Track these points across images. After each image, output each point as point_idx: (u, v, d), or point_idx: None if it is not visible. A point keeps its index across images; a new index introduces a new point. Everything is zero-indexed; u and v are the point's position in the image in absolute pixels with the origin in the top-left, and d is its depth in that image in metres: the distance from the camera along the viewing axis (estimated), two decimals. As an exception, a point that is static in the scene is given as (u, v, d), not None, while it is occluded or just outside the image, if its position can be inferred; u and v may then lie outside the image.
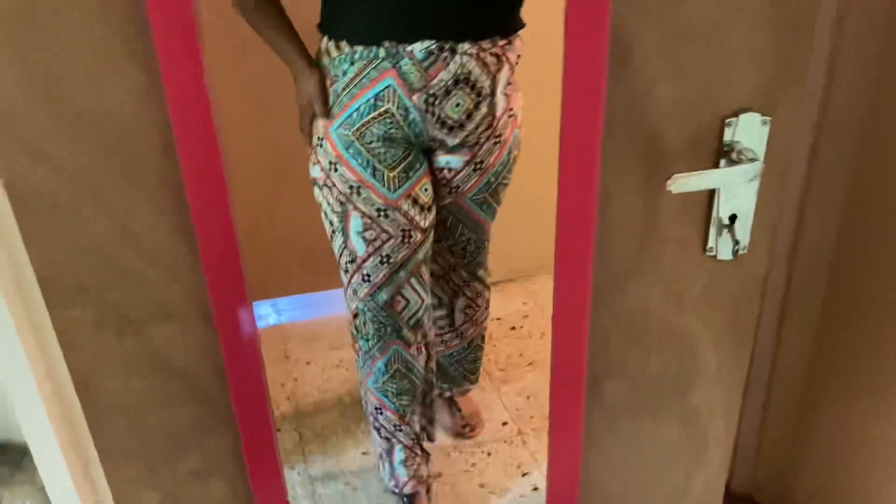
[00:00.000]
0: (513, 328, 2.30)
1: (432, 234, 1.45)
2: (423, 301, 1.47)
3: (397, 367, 1.51)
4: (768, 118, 0.85)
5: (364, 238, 1.37)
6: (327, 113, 1.30)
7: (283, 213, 2.11)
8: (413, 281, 1.44)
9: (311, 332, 2.26)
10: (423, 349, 1.54)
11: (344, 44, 1.26)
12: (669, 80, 0.82)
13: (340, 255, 1.41)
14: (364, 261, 1.39)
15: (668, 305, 0.96)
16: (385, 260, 1.39)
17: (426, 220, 1.40)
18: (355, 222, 1.36)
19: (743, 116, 0.84)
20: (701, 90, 0.83)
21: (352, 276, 1.42)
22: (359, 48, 1.25)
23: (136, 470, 0.98)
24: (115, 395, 0.93)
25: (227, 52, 1.84)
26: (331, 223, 1.40)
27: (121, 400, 0.94)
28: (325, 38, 1.30)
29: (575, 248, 0.89)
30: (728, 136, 0.85)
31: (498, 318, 2.32)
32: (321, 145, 1.34)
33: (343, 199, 1.35)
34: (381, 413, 1.58)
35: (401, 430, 1.59)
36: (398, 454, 1.62)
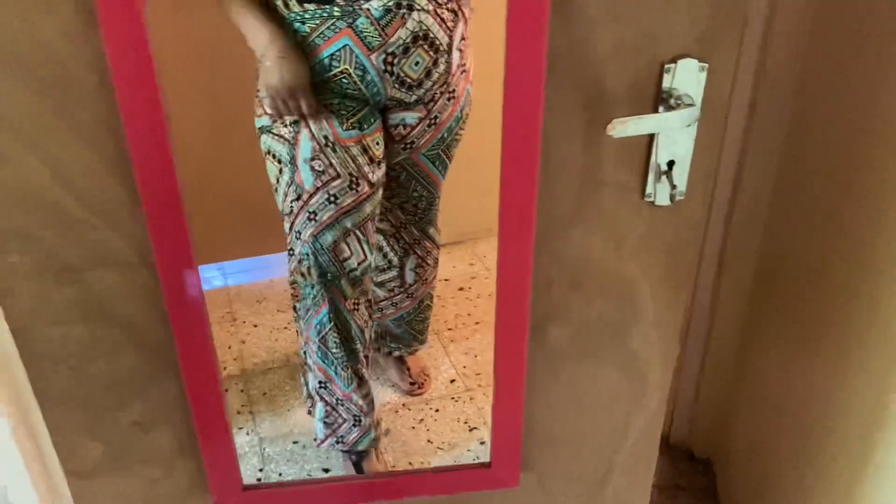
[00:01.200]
0: (461, 289, 2.32)
1: (381, 191, 1.45)
2: (366, 258, 1.48)
3: (335, 321, 1.52)
4: (705, 65, 0.87)
5: (312, 168, 1.34)
6: (316, 108, 1.27)
7: (227, 173, 2.08)
8: (359, 233, 1.44)
9: (257, 295, 2.25)
10: (360, 310, 1.54)
11: (293, 2, 1.23)
12: (610, 24, 0.84)
13: (286, 195, 1.39)
14: (311, 195, 1.36)
15: (608, 251, 0.98)
16: (332, 199, 1.37)
17: (374, 174, 1.40)
18: (304, 147, 1.32)
19: (681, 62, 0.86)
20: (640, 35, 0.85)
21: (297, 216, 1.39)
22: (310, 7, 1.22)
23: (77, 419, 0.97)
24: (54, 344, 0.92)
25: (170, 1, 1.79)
26: (279, 161, 1.35)
27: (61, 348, 0.92)
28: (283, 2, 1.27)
29: (518, 194, 0.90)
30: (666, 82, 0.87)
31: (446, 280, 2.33)
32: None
33: (293, 129, 1.31)
34: (314, 371, 1.59)
35: (326, 388, 1.60)
36: (319, 411, 1.64)
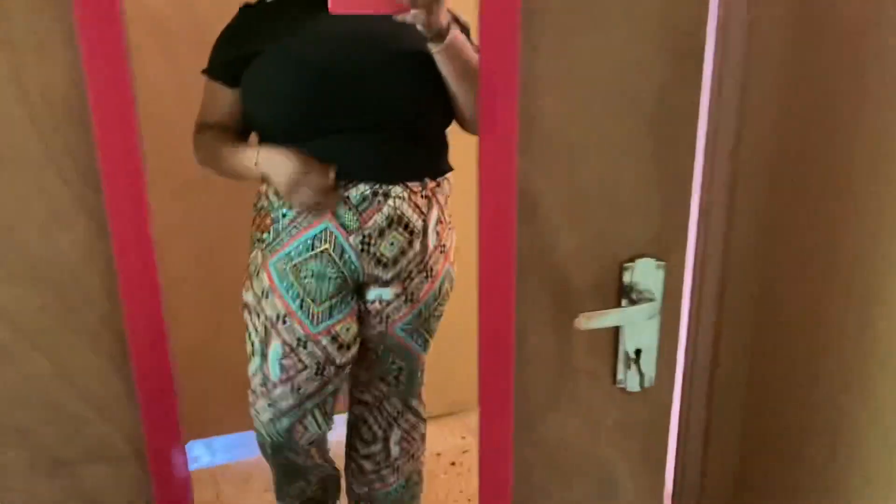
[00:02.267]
0: (452, 463, 2.30)
1: (347, 368, 1.51)
2: (321, 430, 1.56)
3: (291, 474, 1.65)
4: (662, 262, 0.95)
5: (281, 365, 1.43)
6: (325, 177, 1.31)
7: (220, 348, 2.13)
8: (316, 412, 1.51)
9: (244, 474, 2.22)
10: (314, 457, 1.63)
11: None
12: (571, 230, 0.93)
13: (254, 374, 1.48)
14: (275, 386, 1.46)
15: (585, 435, 1.02)
16: (295, 389, 1.45)
17: (342, 357, 1.46)
18: (275, 349, 1.43)
19: (639, 261, 0.94)
20: (599, 238, 0.94)
21: (259, 399, 1.49)
22: None
23: None
24: (41, 539, 0.93)
25: (171, 183, 1.91)
26: (252, 344, 1.47)
27: (48, 543, 0.93)
28: (265, 183, 1.39)
29: (496, 384, 0.95)
30: (627, 278, 0.95)
31: (437, 454, 2.32)
32: (257, 275, 1.42)
33: (269, 324, 1.42)
34: None
35: None
36: None
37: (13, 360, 0.87)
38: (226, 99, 1.37)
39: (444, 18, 1.18)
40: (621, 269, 0.95)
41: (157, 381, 0.90)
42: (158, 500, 0.95)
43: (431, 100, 1.34)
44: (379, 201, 1.36)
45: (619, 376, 0.99)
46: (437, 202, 1.44)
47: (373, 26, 1.29)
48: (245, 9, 1.39)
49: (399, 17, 1.14)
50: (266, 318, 1.42)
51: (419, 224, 1.41)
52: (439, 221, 1.46)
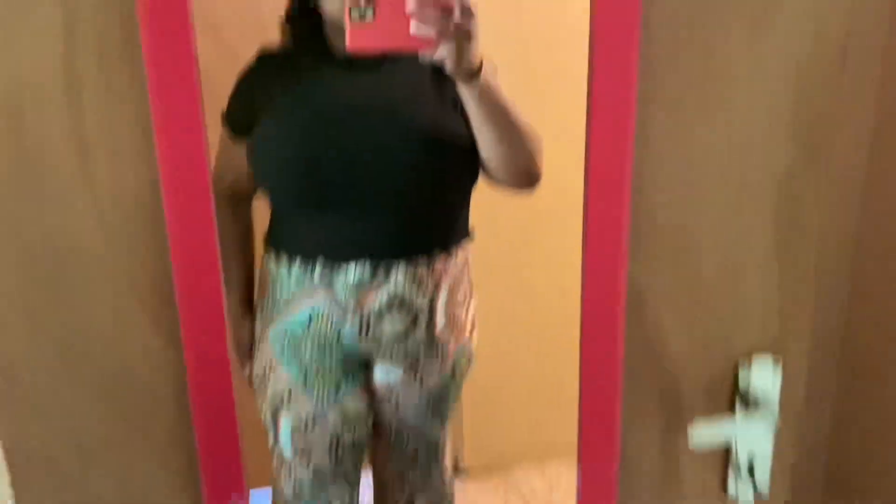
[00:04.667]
0: (497, 528, 2.20)
1: (364, 450, 1.40)
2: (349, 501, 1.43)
3: None
4: (780, 362, 0.87)
5: (293, 442, 1.32)
6: (248, 364, 1.34)
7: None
8: (335, 487, 1.39)
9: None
10: None
11: (284, 257, 1.26)
12: (683, 330, 0.84)
13: (272, 451, 1.36)
14: (291, 464, 1.35)
15: (690, 549, 0.93)
16: (311, 467, 1.34)
17: (354, 435, 1.35)
18: (285, 426, 1.32)
19: (756, 362, 0.86)
20: (713, 339, 0.85)
21: (279, 475, 1.37)
22: (296, 263, 1.24)
23: None
24: None
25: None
26: (264, 419, 1.35)
27: None
28: (268, 248, 1.30)
29: (597, 496, 0.87)
30: (743, 381, 0.86)
31: (481, 517, 2.22)
32: (260, 347, 1.32)
33: (275, 403, 1.31)
34: None
35: None
36: None
37: (76, 479, 0.79)
38: (240, 152, 1.26)
39: (475, 55, 1.04)
40: (736, 371, 0.86)
41: (228, 499, 0.82)
42: None
43: (446, 171, 1.21)
44: (379, 281, 1.24)
45: (730, 490, 0.89)
46: (449, 275, 1.31)
47: (389, 91, 1.18)
48: (262, 58, 1.28)
49: (425, 56, 0.95)
50: (271, 396, 1.32)
51: (424, 304, 1.28)
52: (450, 297, 1.34)
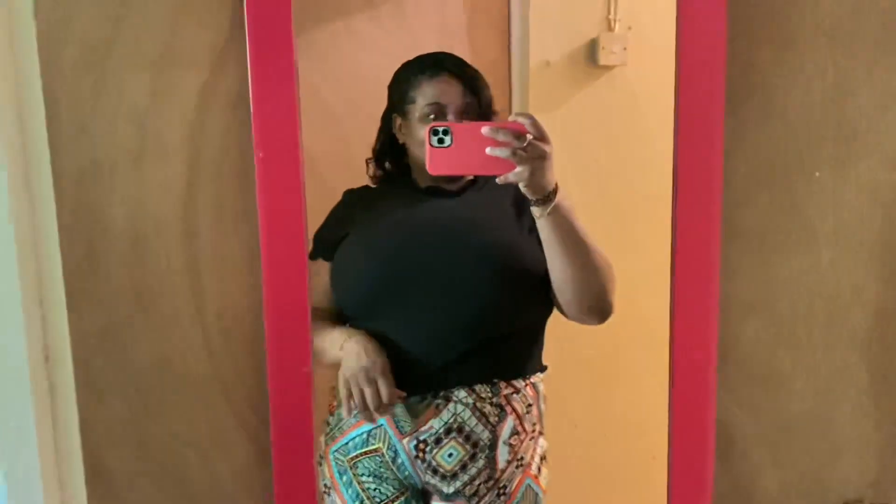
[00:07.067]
0: None
1: None
2: None
3: None
4: (880, 509, 0.82)
5: None
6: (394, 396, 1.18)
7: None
8: None
9: None
10: None
11: None
12: (775, 468, 0.81)
13: None
14: None
15: None
16: None
17: None
18: None
19: (855, 507, 0.82)
20: (807, 479, 0.82)
21: None
22: None
23: None
24: None
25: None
26: None
27: None
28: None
29: None
30: (842, 528, 0.82)
31: None
32: (321, 464, 1.29)
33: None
34: None
35: None
36: None
37: None
38: (326, 279, 1.30)
39: (551, 178, 1.06)
40: (834, 517, 0.82)
41: None
42: None
43: (517, 299, 1.20)
44: (438, 404, 1.21)
45: None
46: (515, 410, 1.27)
47: (467, 215, 1.20)
48: (348, 193, 1.35)
49: (501, 179, 0.98)
50: None
51: (485, 436, 1.23)
52: (515, 433, 1.29)
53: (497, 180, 1.00)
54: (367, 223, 1.26)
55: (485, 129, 0.91)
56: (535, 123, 0.94)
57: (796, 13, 0.77)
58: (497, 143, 0.92)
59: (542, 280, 1.17)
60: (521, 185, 0.99)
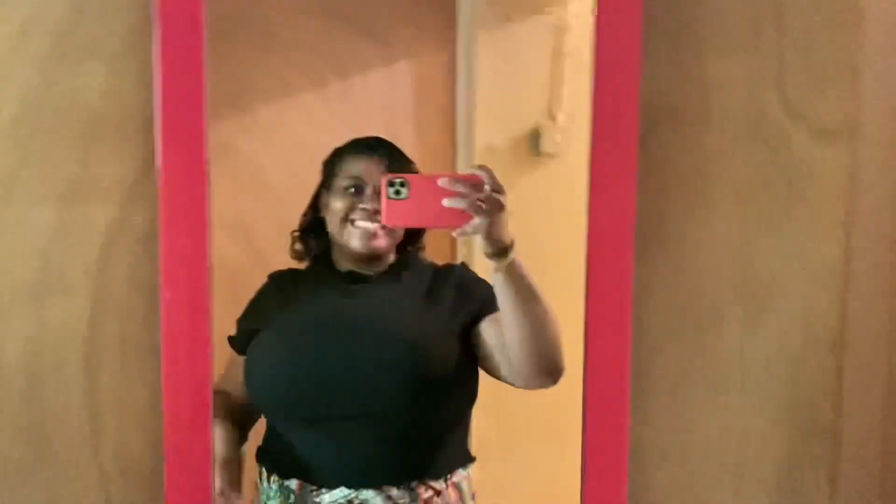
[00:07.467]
0: None
1: None
2: None
3: None
4: None
5: None
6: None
7: None
8: None
9: None
10: None
11: (264, 472, 1.22)
12: None
13: None
14: None
15: None
16: None
17: None
18: None
19: None
20: None
21: None
22: (274, 481, 1.20)
23: None
24: None
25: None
26: None
27: None
28: (258, 462, 1.26)
29: None
30: None
31: None
32: None
33: None
34: None
35: None
36: None
37: None
38: (240, 369, 1.27)
39: (507, 231, 1.05)
40: None
41: None
42: None
43: (427, 396, 1.18)
44: None
45: None
46: None
47: (380, 312, 1.18)
48: (273, 276, 1.32)
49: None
50: None
51: None
52: None
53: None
54: (281, 317, 1.21)
55: (442, 181, 0.91)
56: (491, 175, 0.94)
57: (706, 170, 0.79)
58: (454, 195, 0.91)
59: (460, 369, 1.15)
60: (479, 238, 0.98)
